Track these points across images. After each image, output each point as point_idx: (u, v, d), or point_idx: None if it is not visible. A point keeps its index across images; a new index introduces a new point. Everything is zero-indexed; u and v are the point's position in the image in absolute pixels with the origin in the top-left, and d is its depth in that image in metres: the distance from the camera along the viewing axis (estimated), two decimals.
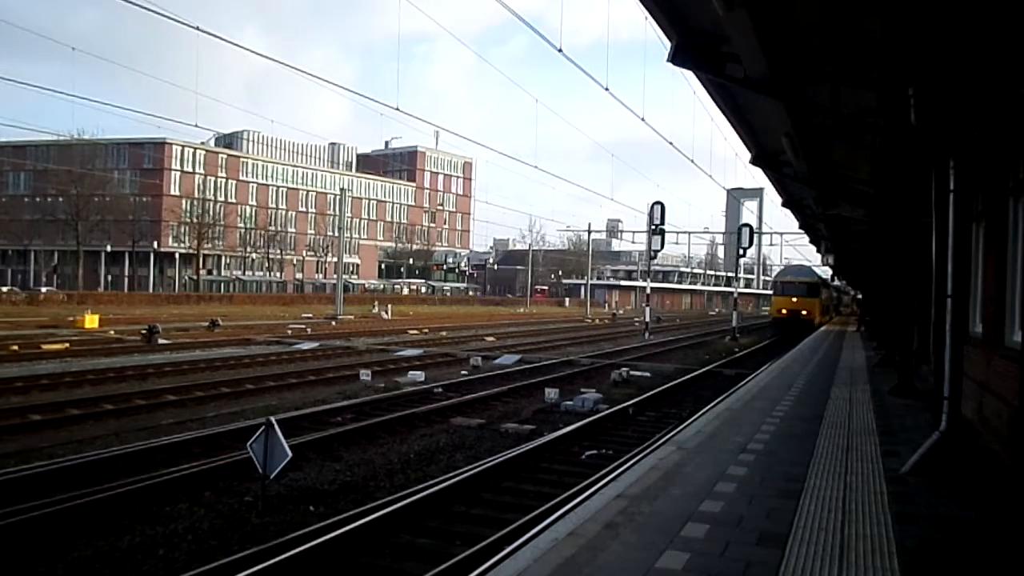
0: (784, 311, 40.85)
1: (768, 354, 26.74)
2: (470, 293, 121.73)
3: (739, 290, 48.85)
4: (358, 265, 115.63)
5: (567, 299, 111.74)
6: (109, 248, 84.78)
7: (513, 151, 78.74)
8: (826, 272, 50.87)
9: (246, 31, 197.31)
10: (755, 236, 47.48)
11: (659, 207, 35.10)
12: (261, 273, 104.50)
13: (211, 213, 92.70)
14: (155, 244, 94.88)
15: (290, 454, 7.73)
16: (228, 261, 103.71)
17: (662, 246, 38.32)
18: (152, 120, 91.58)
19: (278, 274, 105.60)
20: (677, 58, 7.93)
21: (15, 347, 22.98)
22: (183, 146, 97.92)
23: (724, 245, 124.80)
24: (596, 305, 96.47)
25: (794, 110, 9.46)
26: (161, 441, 10.17)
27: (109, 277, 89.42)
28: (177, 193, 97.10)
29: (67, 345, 23.82)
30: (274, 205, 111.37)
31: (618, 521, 5.01)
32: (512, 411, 14.38)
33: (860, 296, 65.13)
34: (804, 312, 40.00)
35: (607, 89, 17.52)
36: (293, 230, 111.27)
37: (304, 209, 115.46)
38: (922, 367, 13.86)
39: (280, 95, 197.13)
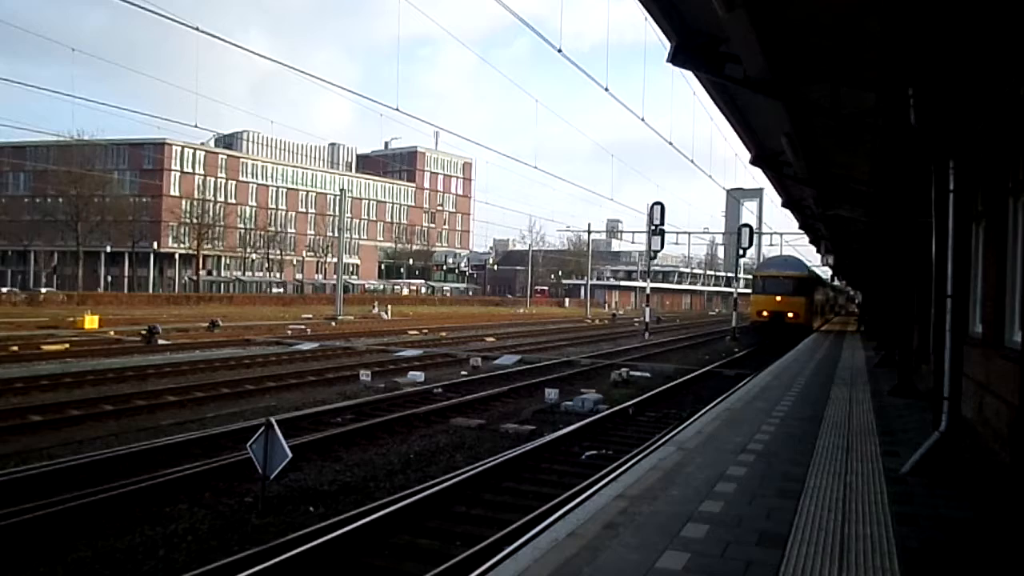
0: (765, 313, 33.49)
1: (768, 354, 26.73)
2: (470, 293, 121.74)
3: (739, 290, 48.28)
4: (358, 266, 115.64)
5: (567, 299, 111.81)
6: (109, 249, 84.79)
7: (514, 152, 79.10)
8: (824, 270, 49.66)
9: (251, 33, 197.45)
10: (755, 236, 47.09)
11: (659, 207, 35.09)
12: (261, 274, 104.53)
13: (211, 214, 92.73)
14: (155, 245, 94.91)
15: (290, 455, 7.73)
16: (228, 262, 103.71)
17: (662, 246, 38.26)
18: (152, 121, 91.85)
19: (278, 275, 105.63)
20: (677, 58, 7.92)
21: (15, 348, 23.00)
22: (183, 147, 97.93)
23: (724, 245, 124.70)
24: (596, 305, 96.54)
25: (794, 110, 9.46)
26: (161, 442, 10.17)
27: (109, 278, 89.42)
28: (177, 194, 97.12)
29: (67, 346, 23.83)
30: (274, 206, 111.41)
31: (618, 521, 5.01)
32: (512, 411, 14.38)
33: (855, 294, 65.15)
34: (790, 314, 32.79)
35: (607, 90, 17.57)
36: (293, 231, 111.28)
37: (304, 210, 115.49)
38: (922, 367, 13.86)
39: (283, 96, 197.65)
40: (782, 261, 37.99)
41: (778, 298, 33.23)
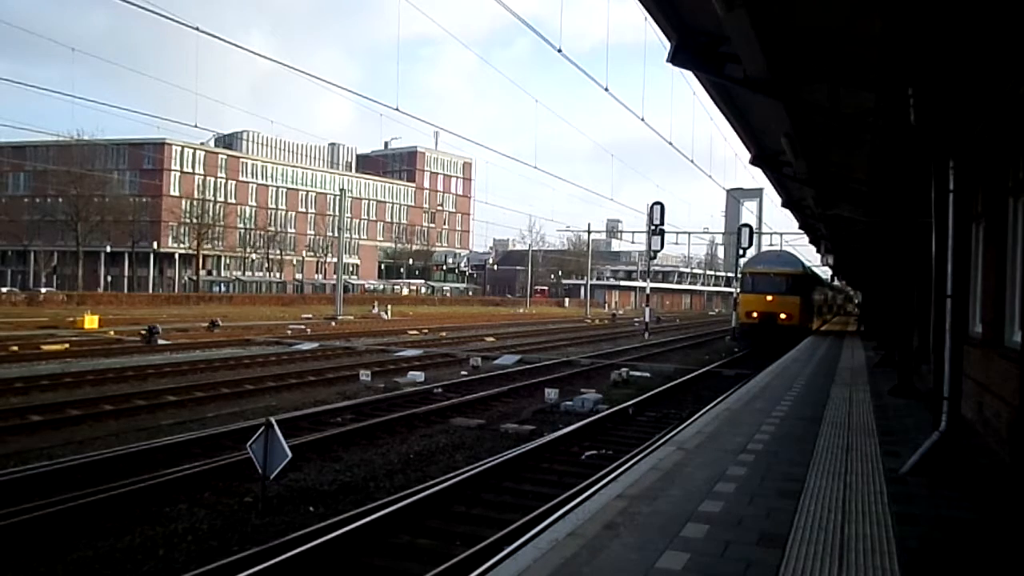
0: (755, 314, 29.92)
1: (768, 354, 26.71)
2: (470, 293, 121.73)
3: (739, 290, 48.10)
4: (358, 265, 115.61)
5: (567, 299, 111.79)
6: (109, 249, 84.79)
7: (514, 152, 79.26)
8: (824, 270, 49.12)
9: (251, 33, 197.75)
10: (755, 236, 46.94)
11: (659, 207, 35.12)
12: (261, 273, 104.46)
13: (211, 213, 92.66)
14: (155, 245, 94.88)
15: (290, 455, 7.73)
16: (228, 262, 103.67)
17: (662, 246, 38.28)
18: (152, 121, 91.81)
19: (278, 274, 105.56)
20: (677, 58, 7.93)
21: (15, 348, 22.98)
22: (183, 147, 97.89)
23: (724, 245, 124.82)
24: (596, 305, 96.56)
25: (793, 110, 9.46)
26: (161, 442, 10.17)
27: (109, 278, 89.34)
28: (177, 194, 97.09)
29: (67, 346, 23.82)
30: (274, 205, 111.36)
31: (618, 521, 5.01)
32: (512, 411, 14.39)
33: (854, 293, 64.97)
34: (783, 315, 29.32)
35: (607, 90, 17.55)
36: (293, 230, 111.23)
37: (304, 209, 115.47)
38: (922, 367, 13.86)
39: (284, 97, 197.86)
40: (774, 256, 34.13)
41: (769, 297, 29.83)
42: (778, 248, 45.26)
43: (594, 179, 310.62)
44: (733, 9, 5.94)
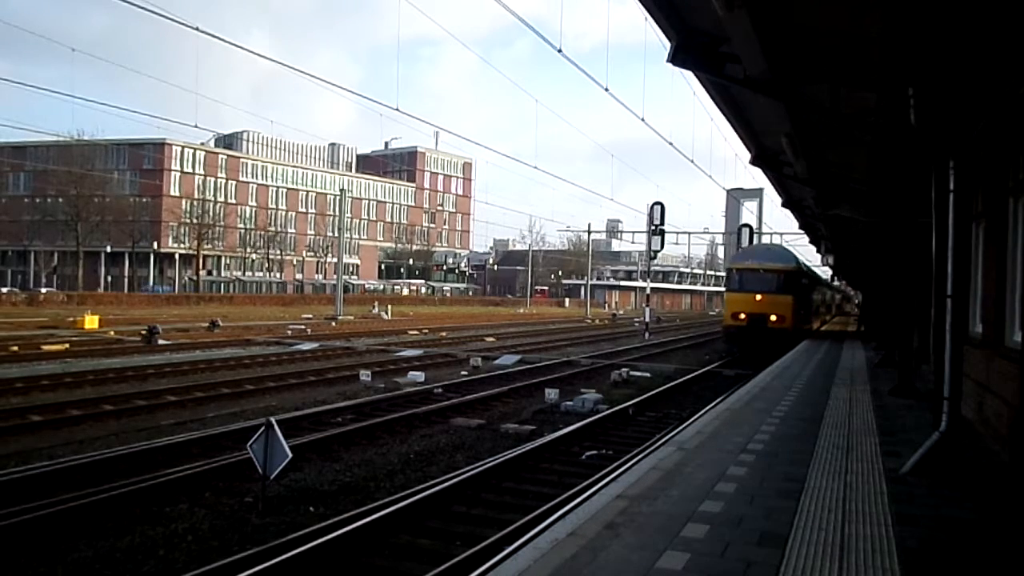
0: (742, 316, 26.40)
1: (768, 355, 26.67)
2: (470, 293, 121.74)
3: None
4: (358, 266, 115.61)
5: (567, 299, 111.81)
6: (109, 249, 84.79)
7: (514, 152, 79.37)
8: (824, 270, 48.75)
9: (252, 33, 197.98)
10: (755, 236, 46.85)
11: (659, 207, 35.13)
12: (261, 274, 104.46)
13: (211, 214, 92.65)
14: (155, 245, 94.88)
15: (290, 455, 7.73)
16: (228, 262, 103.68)
17: (662, 246, 38.24)
18: (152, 121, 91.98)
19: (278, 275, 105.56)
20: (677, 58, 7.93)
21: (15, 348, 22.98)
22: (183, 147, 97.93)
23: (724, 245, 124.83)
24: (596, 305, 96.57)
25: (794, 110, 9.47)
26: (161, 442, 10.17)
27: (109, 278, 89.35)
28: (177, 194, 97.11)
29: (67, 346, 23.82)
30: (274, 206, 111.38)
31: (618, 521, 5.01)
32: (512, 411, 14.39)
33: (854, 293, 64.88)
34: (774, 317, 25.83)
35: (607, 90, 17.60)
36: (293, 231, 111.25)
37: (304, 210, 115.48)
38: (922, 367, 13.86)
39: (284, 97, 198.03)
40: (764, 251, 30.66)
41: (758, 296, 26.35)
42: (770, 243, 44.20)
43: (594, 179, 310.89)
44: (733, 9, 5.94)
